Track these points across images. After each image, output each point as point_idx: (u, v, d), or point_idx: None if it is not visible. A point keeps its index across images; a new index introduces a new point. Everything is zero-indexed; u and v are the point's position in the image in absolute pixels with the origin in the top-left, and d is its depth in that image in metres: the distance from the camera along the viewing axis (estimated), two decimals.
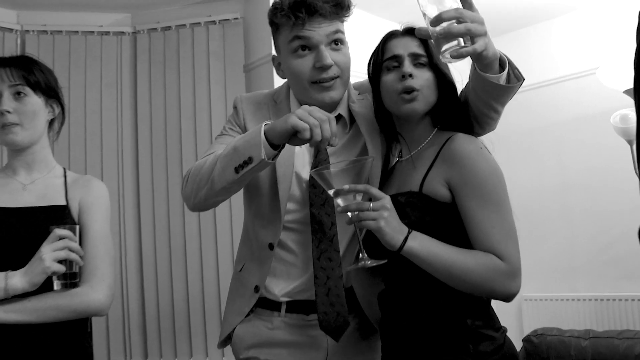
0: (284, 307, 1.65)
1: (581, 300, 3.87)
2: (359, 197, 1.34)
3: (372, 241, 1.39)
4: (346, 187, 1.32)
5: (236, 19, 3.74)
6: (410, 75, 1.46)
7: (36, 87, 1.72)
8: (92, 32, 3.72)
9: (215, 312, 3.46)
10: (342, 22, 1.63)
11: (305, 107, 1.41)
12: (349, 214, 1.33)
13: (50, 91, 1.76)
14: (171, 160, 3.60)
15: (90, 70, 3.63)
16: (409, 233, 1.34)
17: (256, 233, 1.68)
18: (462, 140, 1.42)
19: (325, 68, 1.58)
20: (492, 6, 4.17)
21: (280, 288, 1.64)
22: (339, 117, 1.69)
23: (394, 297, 1.51)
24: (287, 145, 1.49)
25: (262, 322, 1.67)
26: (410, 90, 1.46)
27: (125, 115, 3.68)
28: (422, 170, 1.45)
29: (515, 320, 4.13)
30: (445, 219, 1.40)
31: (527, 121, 4.34)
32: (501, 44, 4.10)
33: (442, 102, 1.50)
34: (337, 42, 1.60)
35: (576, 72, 4.21)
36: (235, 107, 1.76)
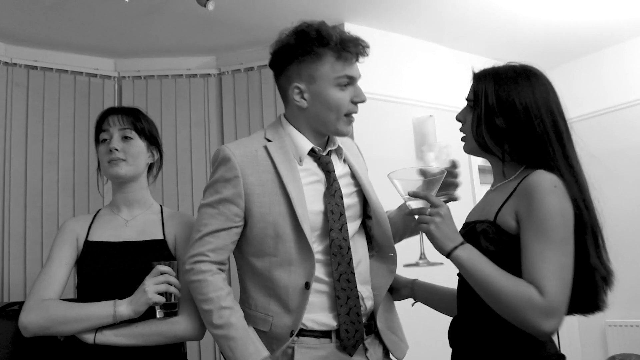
0: (334, 335, 1.68)
1: None
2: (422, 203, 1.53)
3: None
4: (411, 191, 1.49)
5: None
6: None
7: (141, 133, 1.96)
8: (181, 75, 4.01)
9: None
10: None
11: None
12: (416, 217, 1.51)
13: (152, 138, 2.00)
14: None
15: (180, 110, 3.91)
16: (461, 243, 1.46)
17: (283, 279, 1.68)
18: (537, 175, 1.47)
19: (362, 102, 1.74)
20: (565, 30, 4.25)
21: (324, 317, 1.69)
22: (339, 149, 1.84)
23: (465, 325, 1.58)
24: (292, 183, 1.67)
25: (311, 350, 1.67)
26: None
27: (213, 150, 3.91)
28: (501, 201, 1.53)
29: (600, 347, 4.08)
30: (509, 250, 1.46)
31: (606, 144, 4.34)
32: (576, 68, 4.23)
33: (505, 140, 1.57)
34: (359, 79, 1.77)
35: None
36: (227, 160, 1.71)
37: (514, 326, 1.42)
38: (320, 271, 1.69)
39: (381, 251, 1.83)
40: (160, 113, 3.87)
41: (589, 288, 1.48)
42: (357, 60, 1.74)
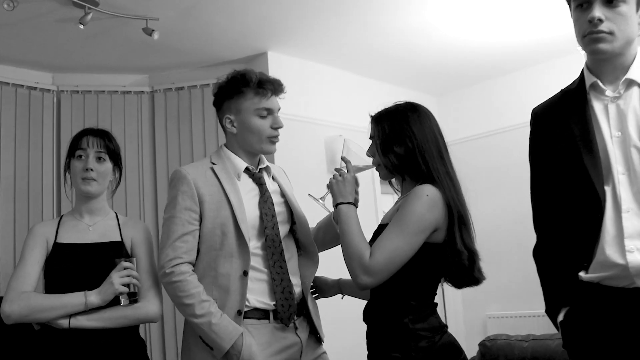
0: (272, 315, 2.15)
1: (535, 317, 4.51)
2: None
3: None
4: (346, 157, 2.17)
5: None
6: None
7: (112, 156, 2.36)
8: (116, 91, 4.34)
9: None
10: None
11: None
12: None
13: (118, 160, 2.41)
14: None
15: (115, 124, 4.22)
16: (348, 202, 2.02)
17: (226, 268, 2.10)
18: (419, 186, 1.95)
19: (280, 128, 2.25)
20: (458, 61, 4.92)
21: (264, 298, 2.13)
22: (268, 168, 2.35)
23: (375, 305, 2.04)
24: (233, 194, 2.16)
25: (254, 330, 2.12)
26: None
27: (145, 163, 4.28)
28: (397, 207, 2.03)
29: (482, 336, 4.74)
30: None
31: (491, 162, 5.05)
32: (471, 93, 4.90)
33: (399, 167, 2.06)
34: (278, 111, 2.29)
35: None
36: (183, 178, 2.15)
37: (410, 303, 1.91)
38: (259, 263, 2.17)
39: (306, 248, 2.34)
40: (96, 126, 4.18)
41: (459, 266, 1.96)
42: (275, 95, 2.26)
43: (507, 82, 5.29)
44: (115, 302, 2.15)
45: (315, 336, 2.29)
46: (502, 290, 4.68)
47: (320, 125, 4.58)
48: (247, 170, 2.28)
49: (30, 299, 2.10)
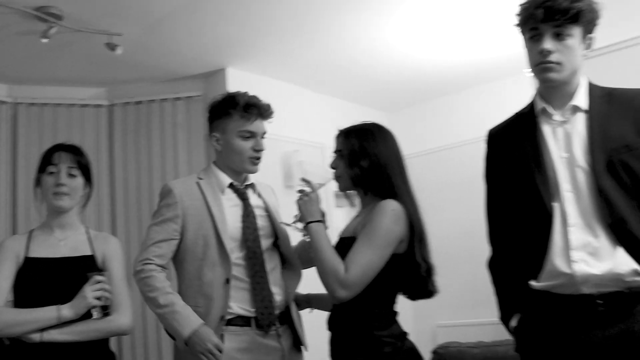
0: (253, 322, 2.27)
1: (483, 325, 4.69)
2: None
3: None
4: (307, 178, 2.25)
5: (198, 96, 4.47)
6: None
7: (83, 171, 2.41)
8: (74, 104, 4.34)
9: None
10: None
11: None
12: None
13: (89, 175, 2.46)
14: (144, 216, 4.21)
15: (73, 138, 4.15)
16: (317, 221, 2.12)
17: (209, 277, 2.25)
18: (384, 202, 2.09)
19: (261, 150, 2.39)
20: (414, 78, 5.11)
21: (246, 305, 2.27)
22: (253, 185, 2.49)
23: (338, 314, 2.17)
24: (215, 207, 2.30)
25: (236, 336, 2.24)
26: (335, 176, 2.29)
27: (102, 177, 4.26)
28: (360, 222, 2.15)
29: (432, 345, 4.90)
30: None
31: (440, 177, 5.25)
32: (421, 110, 5.09)
33: (362, 182, 2.20)
34: (263, 136, 2.43)
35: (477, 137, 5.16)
36: (170, 192, 2.32)
37: (374, 311, 2.04)
38: (241, 272, 2.29)
39: (288, 261, 2.47)
40: (53, 140, 4.16)
41: (417, 278, 2.12)
42: (261, 119, 2.39)
43: (456, 100, 5.52)
44: (86, 315, 2.19)
45: (298, 345, 2.41)
46: (451, 300, 4.83)
47: (277, 141, 4.66)
48: (231, 185, 2.40)
49: (2, 314, 2.13)
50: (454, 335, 4.73)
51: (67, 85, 4.42)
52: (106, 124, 4.42)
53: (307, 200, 2.19)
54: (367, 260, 1.99)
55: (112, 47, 3.58)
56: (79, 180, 2.39)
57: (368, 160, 2.17)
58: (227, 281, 2.25)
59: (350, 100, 5.48)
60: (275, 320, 2.31)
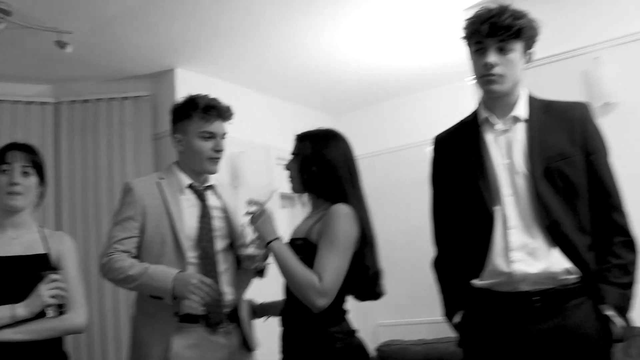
0: (202, 321, 2.32)
1: (423, 324, 4.85)
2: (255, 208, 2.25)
3: None
4: (256, 200, 2.25)
5: (146, 96, 4.47)
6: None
7: (37, 170, 2.41)
8: (19, 101, 4.27)
9: None
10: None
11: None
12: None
13: (43, 174, 2.45)
14: (90, 215, 4.21)
15: (17, 135, 4.11)
16: (276, 238, 2.18)
17: None
18: (336, 206, 2.18)
19: (220, 151, 2.46)
20: (361, 82, 5.24)
21: (197, 305, 2.30)
22: (213, 186, 2.55)
23: (287, 315, 2.26)
24: (174, 207, 2.36)
25: (187, 332, 2.30)
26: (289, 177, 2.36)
27: (48, 175, 4.21)
28: (311, 224, 2.24)
29: (374, 342, 5.04)
30: (314, 255, 2.14)
31: (383, 179, 5.39)
32: (366, 113, 5.23)
33: (314, 185, 2.29)
34: (223, 136, 2.50)
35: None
36: (130, 190, 2.39)
37: (324, 314, 2.10)
38: (195, 271, 2.33)
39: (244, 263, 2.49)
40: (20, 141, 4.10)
41: (366, 280, 2.22)
42: (221, 120, 2.47)
43: (401, 104, 5.70)
44: (41, 314, 2.18)
45: (247, 344, 2.46)
46: (391, 299, 4.96)
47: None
48: (191, 186, 2.46)
49: None
50: (394, 334, 4.88)
51: (11, 81, 4.35)
52: (52, 122, 4.37)
53: (263, 220, 2.22)
54: (337, 265, 2.10)
55: (62, 45, 3.57)
56: (33, 179, 2.39)
57: (320, 164, 2.26)
58: None
59: (297, 103, 5.57)
60: (224, 319, 2.37)
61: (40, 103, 4.35)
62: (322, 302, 2.06)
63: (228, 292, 2.42)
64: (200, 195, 2.48)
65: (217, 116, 2.46)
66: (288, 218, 5.86)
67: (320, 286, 2.05)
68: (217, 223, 2.47)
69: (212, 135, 2.45)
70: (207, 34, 4.00)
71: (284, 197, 5.51)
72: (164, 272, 2.22)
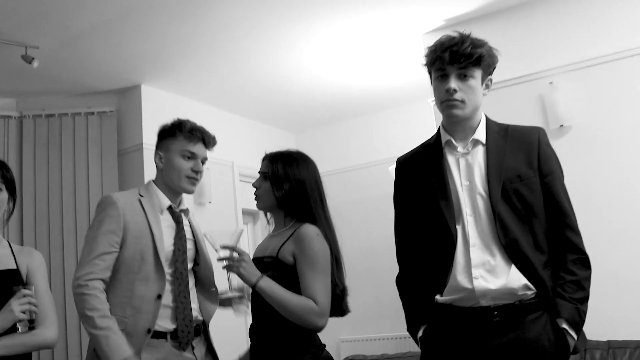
0: (169, 336, 2.35)
1: (386, 339, 4.94)
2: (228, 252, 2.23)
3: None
4: (222, 244, 2.22)
5: (112, 111, 4.49)
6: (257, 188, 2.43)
7: (8, 185, 2.41)
8: None
9: None
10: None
11: None
12: (224, 262, 2.22)
13: (13, 189, 2.45)
14: (53, 230, 4.19)
15: None
16: (261, 277, 2.20)
17: (141, 291, 2.31)
18: (306, 227, 2.27)
19: (198, 172, 2.53)
20: (321, 102, 5.31)
21: (166, 323, 2.35)
22: (187, 210, 2.60)
23: (256, 329, 2.32)
24: (155, 226, 2.39)
25: (154, 349, 2.32)
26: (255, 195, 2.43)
27: None
28: (280, 243, 2.31)
29: (338, 357, 5.09)
30: (287, 275, 2.24)
31: (343, 197, 5.48)
32: (326, 132, 5.30)
33: (284, 204, 2.36)
34: (204, 161, 2.57)
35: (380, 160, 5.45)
36: (113, 204, 2.37)
37: (294, 324, 2.18)
38: (168, 290, 2.37)
39: (204, 287, 2.57)
40: None
41: (334, 297, 2.29)
42: (203, 144, 2.55)
43: (361, 123, 5.82)
44: (10, 329, 2.18)
45: (211, 352, 2.52)
46: (354, 316, 5.03)
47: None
48: (169, 208, 2.50)
49: None
50: (357, 349, 4.96)
51: None
52: (16, 136, 4.35)
53: (244, 265, 2.22)
54: (324, 284, 2.22)
55: (28, 59, 3.57)
56: (4, 195, 2.38)
57: (290, 184, 2.34)
58: (159, 297, 2.33)
59: (260, 121, 5.65)
60: (192, 337, 2.41)
61: (4, 116, 4.33)
62: (323, 322, 2.19)
63: (194, 309, 2.46)
64: (176, 217, 2.52)
65: (200, 139, 2.53)
66: (250, 234, 5.91)
67: (319, 308, 2.17)
68: (188, 245, 2.52)
69: (192, 156, 2.51)
70: (173, 52, 4.05)
71: (245, 213, 5.55)
72: (120, 347, 2.18)
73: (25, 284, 2.31)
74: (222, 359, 2.58)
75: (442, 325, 2.02)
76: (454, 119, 2.10)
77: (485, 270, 1.95)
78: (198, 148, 2.53)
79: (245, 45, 4.05)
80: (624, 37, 3.42)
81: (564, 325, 1.91)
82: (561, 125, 3.42)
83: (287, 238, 2.29)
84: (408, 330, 2.16)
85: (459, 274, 1.97)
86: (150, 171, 4.35)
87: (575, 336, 1.91)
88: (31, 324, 2.24)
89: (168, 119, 4.51)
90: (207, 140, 2.57)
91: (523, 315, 1.91)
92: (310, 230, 2.26)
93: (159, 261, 2.36)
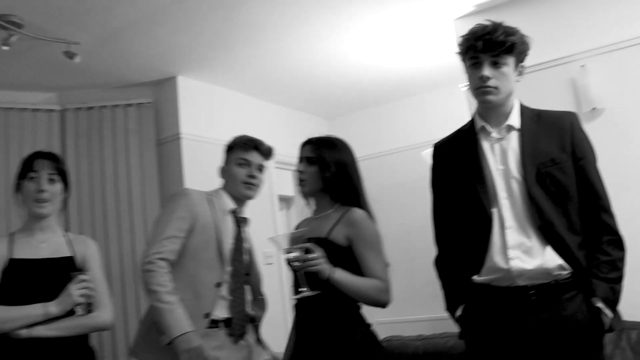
0: (223, 325, 2.52)
1: (420, 321, 5.02)
2: (298, 252, 2.25)
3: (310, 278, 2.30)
4: (299, 245, 2.26)
5: (149, 102, 4.60)
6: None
7: (62, 176, 2.55)
8: (26, 109, 4.39)
9: None
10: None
11: None
12: (296, 263, 2.25)
13: (67, 180, 2.59)
14: (96, 219, 4.34)
15: (25, 142, 4.28)
16: (335, 269, 2.28)
17: (203, 276, 2.51)
18: (357, 212, 2.40)
19: (253, 177, 2.69)
20: (357, 88, 5.39)
21: (222, 312, 2.52)
22: (246, 219, 2.75)
23: (306, 311, 2.41)
24: (220, 222, 2.58)
25: (210, 336, 2.47)
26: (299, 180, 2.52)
27: None
28: (329, 225, 2.41)
29: None
30: (337, 255, 2.35)
31: (379, 182, 5.55)
32: (358, 118, 5.36)
33: (330, 188, 2.47)
34: (260, 168, 2.73)
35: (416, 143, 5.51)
36: (188, 195, 2.62)
37: (344, 305, 2.31)
38: (226, 280, 2.55)
39: (253, 294, 2.77)
40: (6, 144, 4.21)
41: None
42: (257, 153, 2.73)
43: (392, 108, 5.86)
44: (70, 312, 2.34)
45: (261, 341, 2.70)
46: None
47: (224, 146, 4.87)
48: (233, 212, 2.68)
49: None
50: (392, 330, 5.04)
51: (19, 89, 4.47)
52: (58, 129, 4.47)
53: (321, 261, 2.26)
54: (383, 263, 2.41)
55: (70, 55, 3.69)
56: (59, 186, 2.52)
57: (336, 168, 2.45)
58: (219, 285, 2.52)
59: (292, 108, 5.73)
60: (247, 327, 2.61)
61: (47, 110, 4.46)
62: (390, 297, 2.38)
63: (248, 304, 2.65)
64: (237, 222, 2.70)
65: (254, 148, 2.74)
66: (284, 220, 6.02)
67: (385, 286, 2.35)
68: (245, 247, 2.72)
69: (247, 163, 2.70)
70: (208, 43, 4.14)
71: (281, 199, 5.67)
72: (182, 321, 2.33)
73: (81, 271, 2.44)
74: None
75: (479, 304, 2.11)
76: (487, 105, 2.17)
77: (521, 251, 2.02)
78: (252, 155, 2.71)
79: (278, 35, 4.12)
80: None
81: (599, 304, 1.97)
82: (593, 108, 3.44)
83: (337, 221, 2.40)
84: (447, 309, 2.24)
85: (495, 255, 2.05)
86: (187, 160, 4.48)
87: (610, 314, 1.98)
88: (88, 307, 2.38)
89: (203, 108, 4.70)
90: (262, 149, 2.75)
91: (559, 294, 1.98)
92: (362, 214, 2.39)
93: (221, 252, 2.54)
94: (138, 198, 4.42)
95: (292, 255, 2.25)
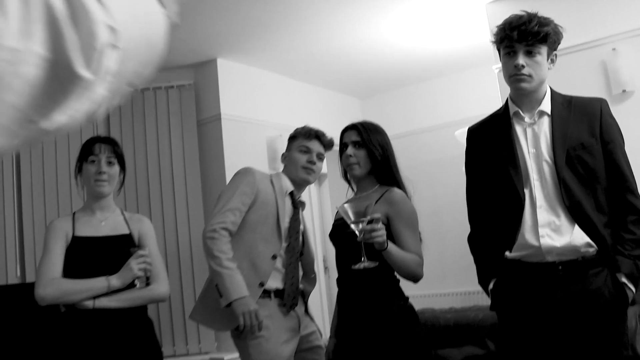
0: (273, 294, 2.72)
1: (451, 295, 5.18)
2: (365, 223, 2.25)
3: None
4: (368, 217, 2.24)
5: (190, 84, 4.78)
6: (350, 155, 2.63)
7: (119, 160, 2.74)
8: None
9: None
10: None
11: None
12: (363, 233, 2.23)
13: (123, 163, 2.78)
14: (140, 196, 4.56)
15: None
16: (389, 242, 2.39)
17: (260, 248, 2.72)
18: (396, 192, 2.52)
19: (313, 163, 2.87)
20: (390, 68, 5.50)
21: (277, 283, 2.73)
22: (303, 203, 2.94)
23: (346, 284, 2.57)
24: (280, 200, 2.77)
25: (263, 305, 2.67)
26: (350, 164, 2.63)
27: None
28: (369, 203, 2.55)
29: None
30: None
31: (411, 160, 5.65)
32: (391, 97, 5.47)
33: (376, 169, 2.61)
34: (320, 156, 2.91)
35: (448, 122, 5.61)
36: (252, 173, 2.82)
37: (384, 279, 2.45)
38: (282, 256, 2.75)
39: (306, 273, 2.96)
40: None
41: None
42: (318, 142, 2.91)
43: (424, 88, 5.97)
44: (129, 285, 2.53)
45: (309, 314, 2.91)
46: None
47: (263, 126, 5.04)
48: (291, 193, 2.87)
49: (61, 284, 2.45)
50: (424, 303, 5.21)
51: None
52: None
53: (382, 233, 2.27)
54: (418, 239, 2.53)
55: None
56: (116, 168, 2.71)
57: (383, 151, 2.61)
58: (274, 257, 2.73)
59: (327, 87, 5.87)
60: (298, 299, 2.82)
61: None
62: (423, 271, 2.48)
63: (299, 278, 2.84)
64: (295, 203, 2.90)
65: (315, 137, 2.92)
66: (315, 196, 6.19)
67: (421, 260, 2.47)
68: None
69: (307, 150, 2.88)
70: (245, 26, 4.29)
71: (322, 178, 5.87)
72: (241, 286, 2.56)
73: (138, 247, 2.64)
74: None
75: (511, 278, 2.26)
76: (521, 91, 2.29)
77: (550, 229, 2.17)
78: (312, 144, 2.89)
79: (315, 17, 4.26)
80: None
81: (624, 279, 2.11)
82: (624, 91, 3.53)
83: (377, 199, 2.53)
84: (480, 283, 2.40)
85: (527, 233, 2.20)
86: (227, 140, 4.66)
87: (633, 289, 2.12)
88: (147, 281, 2.58)
89: (242, 89, 4.87)
90: (322, 138, 2.94)
91: (585, 270, 2.13)
92: (401, 194, 2.53)
93: (279, 227, 2.74)
94: (180, 177, 4.62)
95: (361, 225, 2.26)
